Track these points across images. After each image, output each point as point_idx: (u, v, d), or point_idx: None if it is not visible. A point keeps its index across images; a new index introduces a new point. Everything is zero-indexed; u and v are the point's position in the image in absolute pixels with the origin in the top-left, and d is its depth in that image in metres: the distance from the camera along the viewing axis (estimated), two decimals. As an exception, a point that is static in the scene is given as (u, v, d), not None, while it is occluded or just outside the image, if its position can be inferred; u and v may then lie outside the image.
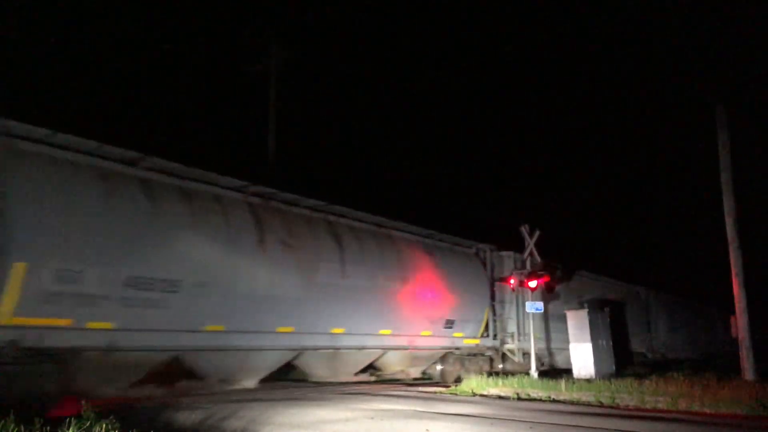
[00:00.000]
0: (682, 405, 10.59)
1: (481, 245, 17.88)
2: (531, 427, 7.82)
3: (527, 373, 15.09)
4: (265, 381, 11.68)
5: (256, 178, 12.50)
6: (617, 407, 10.98)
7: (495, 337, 17.22)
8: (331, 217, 13.29)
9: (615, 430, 8.06)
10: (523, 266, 16.90)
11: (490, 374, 14.70)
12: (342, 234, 13.16)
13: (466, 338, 16.26)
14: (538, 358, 17.72)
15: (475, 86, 38.76)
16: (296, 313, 11.65)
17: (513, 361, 17.44)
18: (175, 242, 9.86)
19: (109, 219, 9.10)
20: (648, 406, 10.83)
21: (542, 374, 15.24)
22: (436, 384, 15.02)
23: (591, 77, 40.53)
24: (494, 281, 17.55)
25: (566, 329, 17.05)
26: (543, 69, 41.84)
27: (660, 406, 10.76)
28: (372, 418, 8.21)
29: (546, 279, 16.13)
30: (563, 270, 19.01)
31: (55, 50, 19.08)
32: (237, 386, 11.02)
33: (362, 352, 13.43)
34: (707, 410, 10.21)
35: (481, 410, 9.63)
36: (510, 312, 17.52)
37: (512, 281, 16.18)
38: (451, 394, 12.65)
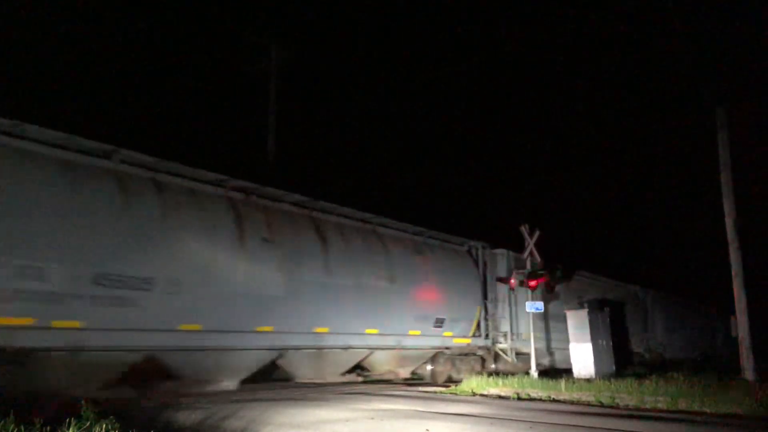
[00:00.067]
0: (682, 405, 10.58)
1: (473, 243, 17.48)
2: (531, 427, 7.82)
3: (527, 373, 15.10)
4: (246, 382, 11.32)
5: (257, 178, 12.40)
6: (617, 407, 10.98)
7: (487, 336, 16.86)
8: (316, 214, 12.92)
9: (615, 429, 8.06)
10: (518, 264, 16.80)
11: (490, 374, 14.70)
12: (327, 230, 12.83)
13: (456, 337, 15.89)
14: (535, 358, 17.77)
15: (475, 86, 38.80)
16: (277, 312, 11.30)
17: (506, 361, 17.16)
18: (147, 238, 9.49)
19: (77, 213, 8.75)
20: (648, 406, 10.83)
21: (542, 374, 15.24)
22: (434, 384, 14.99)
23: (591, 77, 40.55)
24: (486, 279, 17.19)
25: (565, 329, 17.07)
26: (543, 69, 41.85)
27: (660, 406, 10.76)
28: (372, 418, 8.21)
29: (545, 279, 16.08)
30: (563, 270, 19.01)
31: (56, 50, 19.10)
32: (216, 388, 10.66)
33: (348, 351, 13.07)
34: (707, 410, 10.20)
35: (481, 410, 9.63)
36: (503, 311, 17.18)
37: (513, 281, 16.13)
38: (451, 394, 12.66)
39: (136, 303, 9.16)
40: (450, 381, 15.36)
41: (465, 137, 36.56)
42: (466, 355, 16.38)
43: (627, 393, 11.67)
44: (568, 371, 16.48)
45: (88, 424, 5.77)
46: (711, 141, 16.47)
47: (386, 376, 14.81)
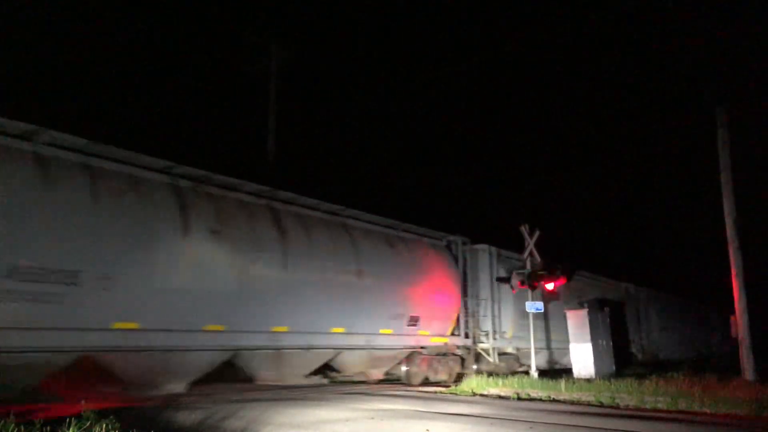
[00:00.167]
0: (682, 405, 10.60)
1: (452, 237, 16.73)
2: (531, 427, 7.82)
3: (527, 373, 15.10)
4: (198, 384, 10.56)
5: (256, 178, 12.33)
6: (617, 407, 10.98)
7: (467, 335, 16.16)
8: (276, 204, 11.98)
9: (615, 430, 8.07)
10: (502, 261, 16.59)
11: (489, 374, 14.67)
12: (286, 222, 11.90)
13: (433, 336, 15.09)
14: (517, 359, 17.46)
15: (475, 86, 38.81)
16: (228, 310, 10.45)
17: (488, 361, 16.56)
18: (73, 227, 8.54)
19: None
20: (648, 406, 10.84)
21: (542, 374, 15.24)
22: (436, 384, 14.95)
23: (591, 77, 40.56)
24: (467, 275, 16.55)
25: (564, 329, 17.05)
26: (543, 68, 41.89)
27: (660, 406, 10.77)
28: (372, 418, 8.22)
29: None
30: (563, 270, 18.96)
31: (56, 51, 19.10)
32: (163, 391, 9.89)
33: (311, 352, 12.17)
34: (707, 410, 10.22)
35: (481, 410, 9.64)
36: (485, 309, 16.59)
37: (515, 282, 16.00)
38: (451, 393, 12.67)
39: (61, 299, 8.28)
40: (427, 382, 14.91)
41: (465, 137, 36.59)
42: (444, 355, 15.58)
43: (627, 393, 11.69)
44: (567, 371, 16.49)
45: (88, 424, 5.77)
46: (711, 141, 16.48)
47: (357, 378, 14.09)
